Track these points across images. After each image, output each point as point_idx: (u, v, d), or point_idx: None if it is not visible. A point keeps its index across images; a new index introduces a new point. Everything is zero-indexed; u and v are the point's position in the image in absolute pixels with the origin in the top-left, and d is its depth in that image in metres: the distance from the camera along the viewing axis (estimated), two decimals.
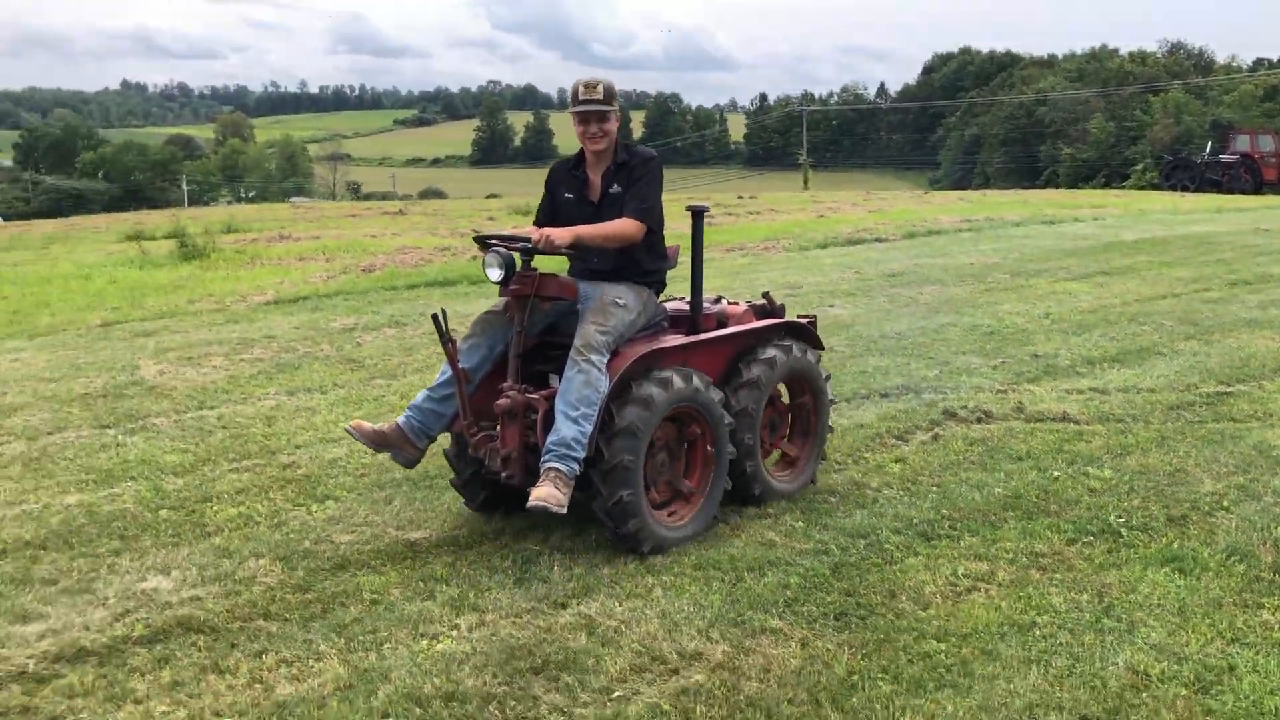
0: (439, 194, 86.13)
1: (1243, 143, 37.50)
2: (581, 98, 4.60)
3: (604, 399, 4.28)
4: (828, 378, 5.43)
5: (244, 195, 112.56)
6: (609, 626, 3.85)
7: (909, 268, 13.35)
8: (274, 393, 7.39)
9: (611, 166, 4.72)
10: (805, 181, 65.04)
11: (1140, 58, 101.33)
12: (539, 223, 4.85)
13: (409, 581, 4.27)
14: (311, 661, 3.64)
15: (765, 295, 5.45)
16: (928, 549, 4.55)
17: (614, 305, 4.52)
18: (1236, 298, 10.90)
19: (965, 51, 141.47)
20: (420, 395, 4.65)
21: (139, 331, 9.72)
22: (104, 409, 7.00)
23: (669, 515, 4.63)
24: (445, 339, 4.32)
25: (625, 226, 4.58)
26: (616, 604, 4.04)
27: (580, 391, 4.23)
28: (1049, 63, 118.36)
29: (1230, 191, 33.69)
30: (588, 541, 4.63)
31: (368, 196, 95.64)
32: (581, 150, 4.80)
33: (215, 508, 5.16)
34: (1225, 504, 5.04)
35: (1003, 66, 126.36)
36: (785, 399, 5.40)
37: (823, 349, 5.51)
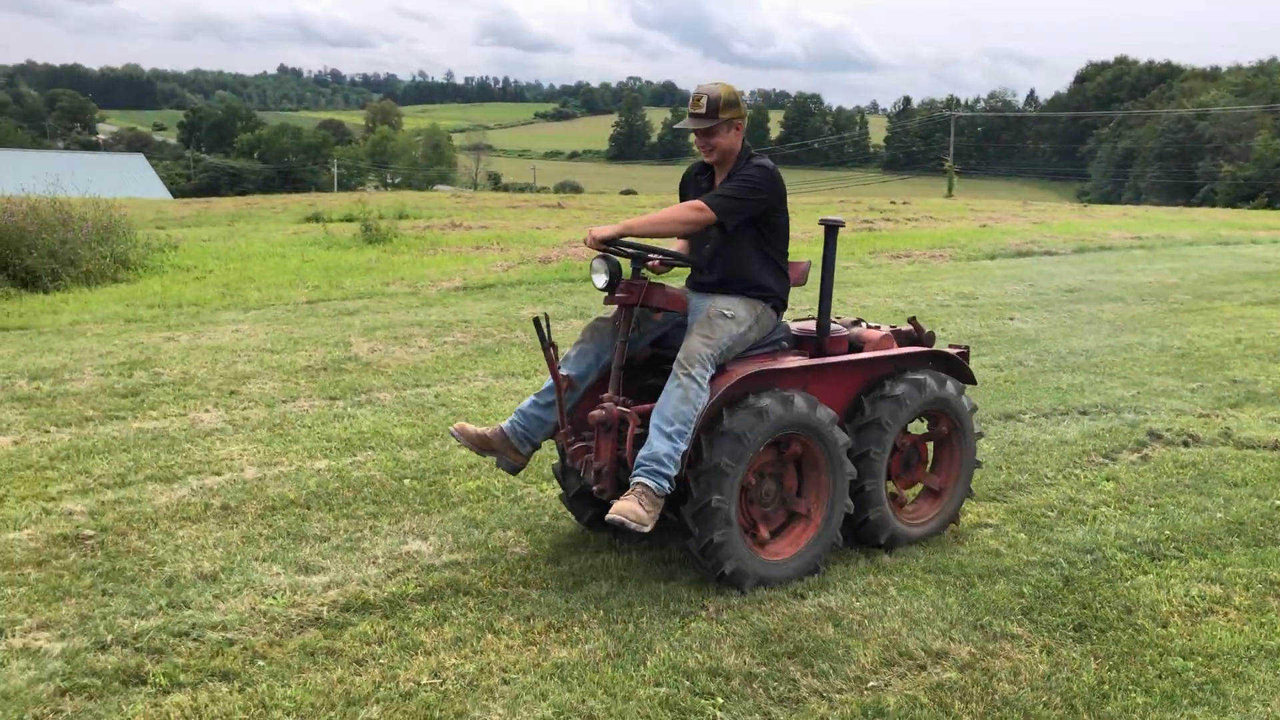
0: (575, 188, 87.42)
1: None
2: (690, 112, 4.38)
3: (700, 415, 4.06)
4: (973, 409, 4.94)
5: (390, 181, 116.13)
6: (852, 620, 4.01)
7: (1084, 283, 13.11)
8: (481, 374, 7.77)
9: (733, 173, 4.45)
10: (950, 188, 63.86)
11: None
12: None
13: (649, 563, 4.50)
14: (577, 629, 3.90)
15: (912, 320, 5.09)
16: (1156, 569, 4.57)
17: (721, 317, 4.26)
18: None
19: (1121, 61, 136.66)
20: (527, 401, 4.51)
21: (342, 310, 10.27)
22: (328, 381, 7.47)
23: (783, 541, 4.38)
24: (546, 344, 4.18)
25: (685, 210, 4.26)
26: (854, 599, 4.19)
27: (677, 406, 4.03)
28: (1212, 75, 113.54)
29: None
30: None
31: (506, 188, 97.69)
32: None
33: (454, 480, 5.50)
34: None
35: (1161, 78, 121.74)
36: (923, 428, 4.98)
37: (974, 383, 5.06)
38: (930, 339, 4.97)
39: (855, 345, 4.68)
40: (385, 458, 5.84)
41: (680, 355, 4.11)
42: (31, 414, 6.54)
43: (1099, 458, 6.16)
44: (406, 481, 5.47)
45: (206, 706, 3.30)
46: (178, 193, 71.45)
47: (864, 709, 3.41)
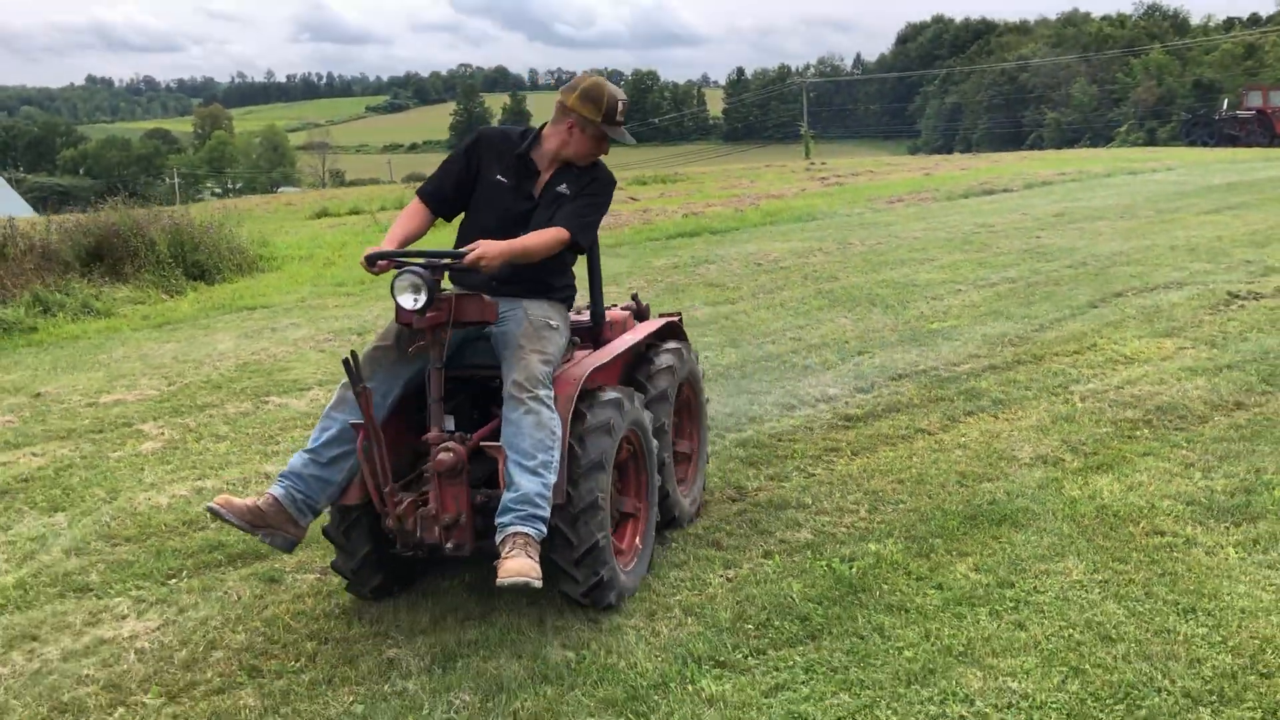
0: (423, 178, 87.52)
1: (1255, 99, 40.29)
2: (619, 118, 4.02)
3: (561, 440, 3.62)
4: (702, 375, 5.04)
5: (231, 187, 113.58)
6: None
7: (1064, 209, 15.77)
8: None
9: (562, 168, 4.06)
10: (807, 151, 67.63)
11: (1119, 21, 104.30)
12: (436, 195, 4.10)
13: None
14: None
15: (634, 297, 4.91)
16: None
17: (546, 328, 3.82)
18: None
19: (938, 20, 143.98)
20: (297, 460, 3.72)
21: None
22: None
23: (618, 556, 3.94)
24: (358, 386, 3.50)
25: (557, 238, 3.87)
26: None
27: (533, 436, 3.53)
28: (1026, 28, 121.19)
29: (1247, 145, 36.40)
30: None
31: (352, 183, 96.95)
32: (536, 135, 4.08)
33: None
34: None
35: (979, 34, 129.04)
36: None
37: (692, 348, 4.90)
38: (648, 312, 4.87)
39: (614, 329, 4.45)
40: None
41: (517, 376, 3.62)
42: None
43: (1208, 312, 8.53)
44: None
45: None
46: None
47: None
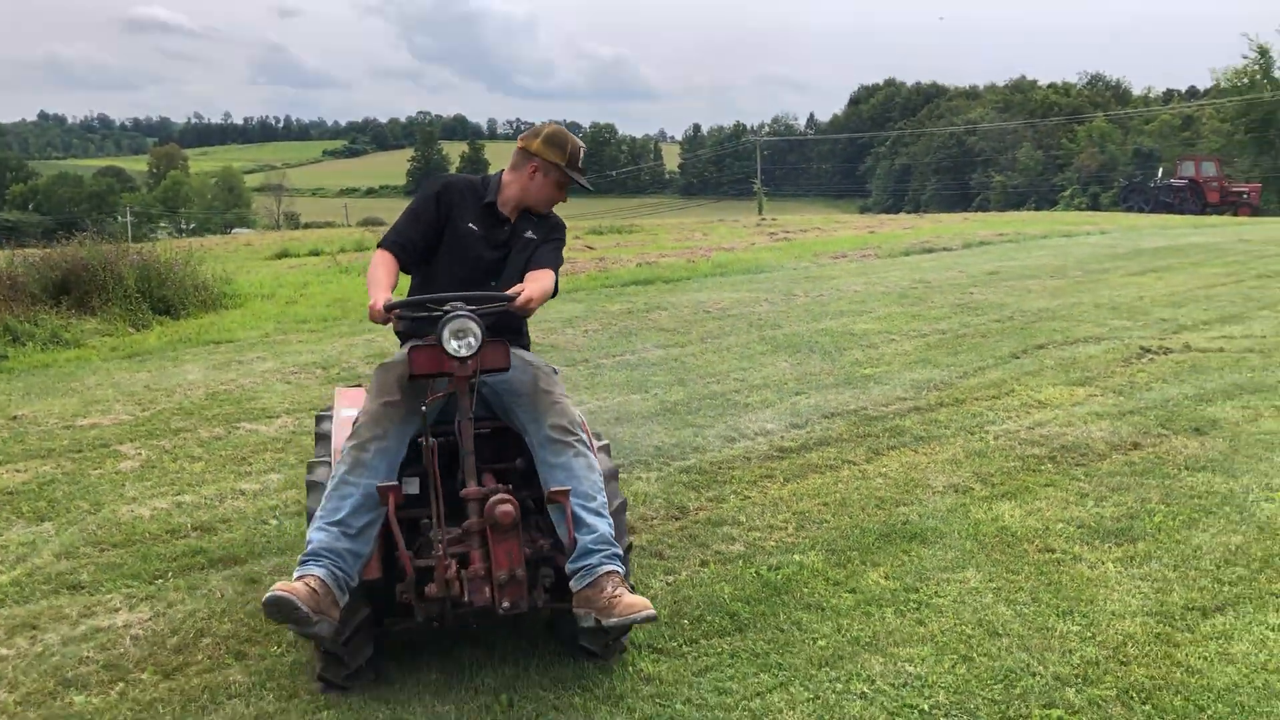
0: (380, 223, 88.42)
1: (1188, 169, 42.07)
2: (580, 165, 4.07)
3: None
4: None
5: (185, 227, 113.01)
6: None
7: (999, 268, 16.58)
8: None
9: (522, 211, 4.10)
10: (760, 207, 69.16)
11: (1063, 89, 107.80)
12: (405, 245, 3.94)
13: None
14: None
15: None
16: (1222, 401, 7.57)
17: (553, 374, 3.86)
18: (1270, 286, 14.26)
19: (890, 83, 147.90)
20: (324, 536, 3.40)
21: None
22: None
23: None
24: (425, 439, 3.44)
25: (553, 281, 3.96)
26: None
27: (589, 478, 3.59)
28: (974, 94, 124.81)
29: (1180, 212, 37.98)
30: None
31: (307, 226, 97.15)
32: (495, 182, 4.09)
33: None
34: None
35: (929, 98, 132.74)
36: None
37: None
38: None
39: None
40: None
41: (559, 422, 3.64)
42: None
43: (1120, 364, 9.21)
44: None
45: None
46: None
47: None
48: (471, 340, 3.39)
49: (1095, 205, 68.33)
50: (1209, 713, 3.46)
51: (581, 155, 4.07)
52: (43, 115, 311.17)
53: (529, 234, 4.06)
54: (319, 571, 3.32)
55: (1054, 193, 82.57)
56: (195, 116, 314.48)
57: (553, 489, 3.54)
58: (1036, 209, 69.18)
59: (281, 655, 4.00)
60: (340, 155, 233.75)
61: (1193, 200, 39.62)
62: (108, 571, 4.86)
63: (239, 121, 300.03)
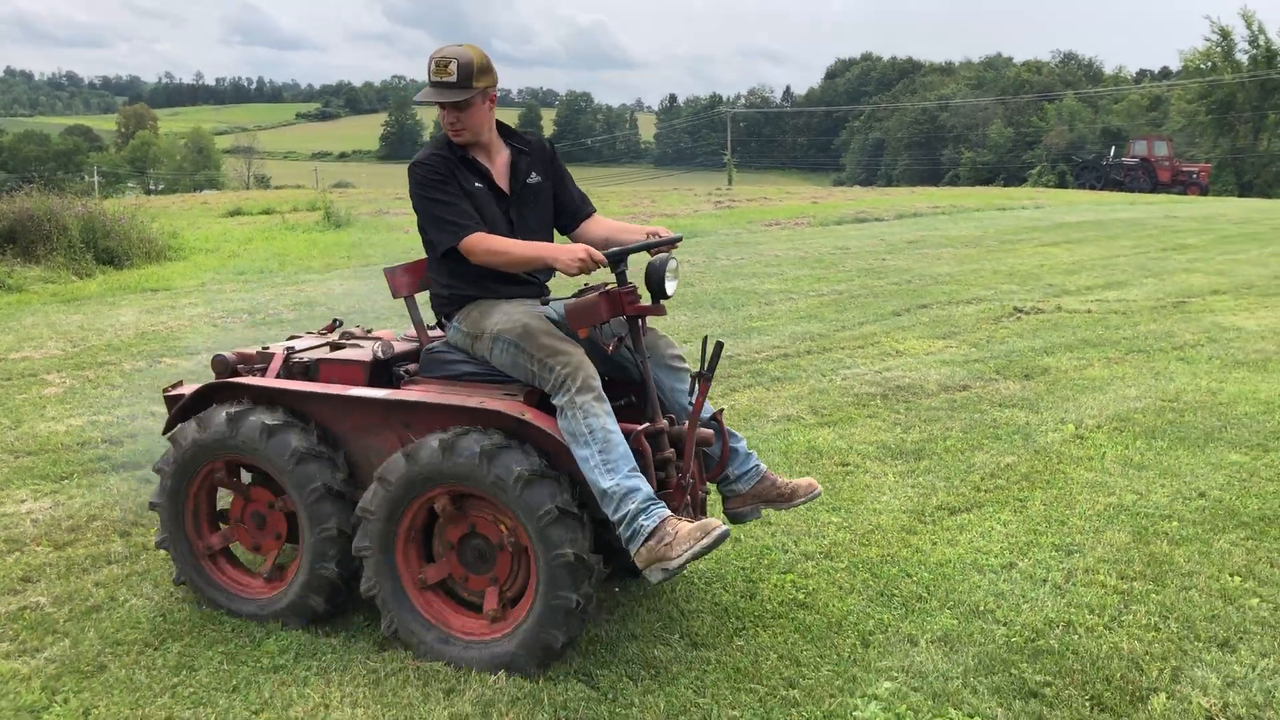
0: (349, 185, 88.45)
1: (1140, 148, 42.98)
2: (434, 80, 3.62)
3: None
4: None
5: (154, 188, 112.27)
6: None
7: (920, 237, 17.35)
8: None
9: (512, 154, 3.85)
10: (730, 179, 69.81)
11: (1036, 67, 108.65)
12: (480, 221, 3.68)
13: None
14: None
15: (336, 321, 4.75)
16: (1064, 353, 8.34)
17: None
18: (1170, 257, 15.10)
19: (867, 57, 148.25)
20: (638, 482, 3.38)
21: None
22: None
23: None
24: (704, 372, 3.64)
25: None
26: None
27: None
28: (949, 70, 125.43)
29: (1131, 190, 38.87)
30: None
31: (278, 188, 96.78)
32: (444, 139, 3.78)
33: None
34: (1192, 347, 8.95)
35: (904, 73, 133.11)
36: None
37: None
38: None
39: None
40: None
41: (673, 350, 3.89)
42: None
43: (989, 322, 9.97)
44: None
45: None
46: None
47: None
48: (676, 280, 3.63)
49: (1062, 183, 69.24)
50: (915, 578, 4.21)
51: (440, 68, 3.59)
52: (9, 71, 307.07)
53: (533, 178, 3.87)
54: (665, 514, 3.35)
55: (1024, 170, 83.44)
56: (166, 76, 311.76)
57: (715, 411, 3.79)
58: (1006, 185, 70.06)
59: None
60: (313, 118, 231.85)
61: (1144, 178, 40.52)
62: (20, 475, 5.53)
63: (211, 82, 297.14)
